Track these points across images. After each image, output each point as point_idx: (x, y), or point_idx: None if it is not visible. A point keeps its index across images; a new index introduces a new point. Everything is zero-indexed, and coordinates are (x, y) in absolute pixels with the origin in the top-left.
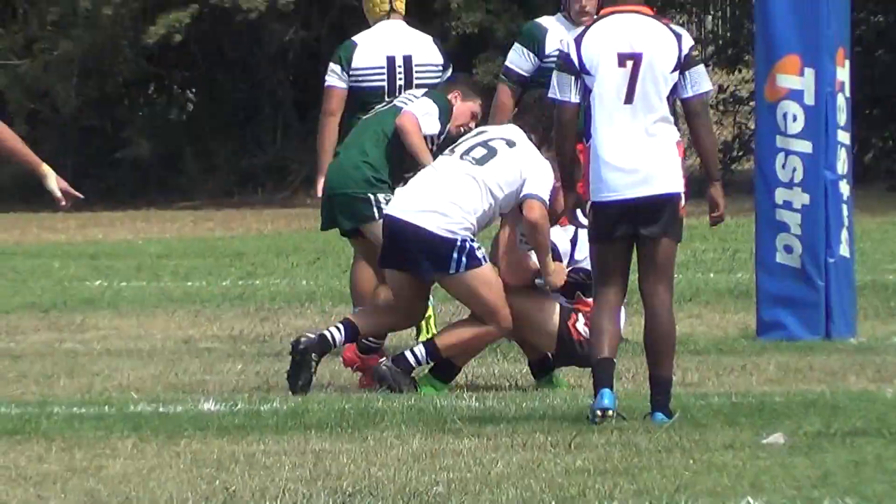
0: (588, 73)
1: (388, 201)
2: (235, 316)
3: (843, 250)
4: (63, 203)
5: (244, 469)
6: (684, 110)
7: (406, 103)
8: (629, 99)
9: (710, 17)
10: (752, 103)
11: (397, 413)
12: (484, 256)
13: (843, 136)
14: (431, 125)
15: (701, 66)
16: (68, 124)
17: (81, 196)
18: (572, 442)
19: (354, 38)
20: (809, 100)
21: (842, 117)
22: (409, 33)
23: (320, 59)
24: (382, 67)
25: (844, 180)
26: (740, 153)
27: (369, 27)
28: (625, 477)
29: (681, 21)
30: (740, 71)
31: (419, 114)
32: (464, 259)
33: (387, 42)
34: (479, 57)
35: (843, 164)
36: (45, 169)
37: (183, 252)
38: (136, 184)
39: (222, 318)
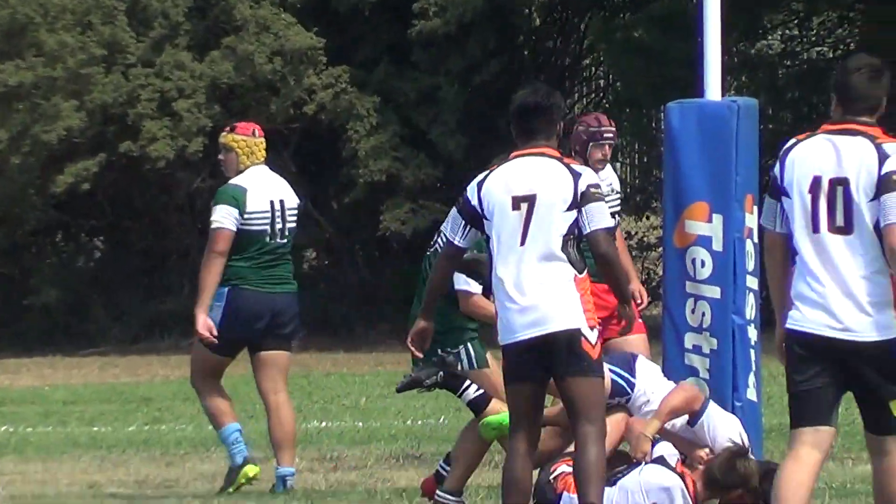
0: (487, 218)
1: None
2: (141, 461)
3: (751, 394)
4: None
5: None
6: (589, 246)
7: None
8: (523, 241)
9: (618, 165)
10: (659, 249)
11: None
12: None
13: (752, 282)
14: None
15: (599, 203)
16: None
17: None
18: None
19: (237, 182)
20: (718, 246)
21: (750, 263)
22: (277, 178)
23: None
24: (267, 211)
25: (752, 325)
26: (649, 299)
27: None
28: None
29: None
30: (648, 217)
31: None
32: None
33: (268, 187)
34: (387, 203)
35: (751, 308)
36: None
37: (89, 398)
38: (44, 330)
39: (128, 463)
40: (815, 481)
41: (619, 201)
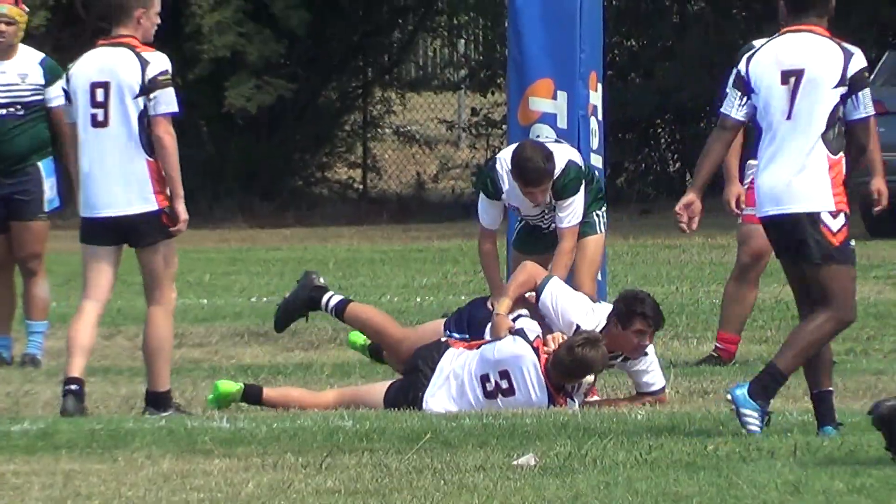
0: (753, 92)
1: None
2: None
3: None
4: None
5: None
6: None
7: None
8: (789, 115)
9: (462, 41)
10: (504, 126)
11: (148, 434)
12: None
13: (596, 160)
14: None
15: (867, 90)
16: None
17: None
18: (323, 463)
19: None
20: (562, 123)
21: (594, 141)
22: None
23: None
24: None
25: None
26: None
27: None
28: (375, 497)
29: (434, 45)
30: (493, 94)
31: None
32: None
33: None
34: (231, 80)
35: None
36: None
37: None
38: None
39: None
40: None
41: None
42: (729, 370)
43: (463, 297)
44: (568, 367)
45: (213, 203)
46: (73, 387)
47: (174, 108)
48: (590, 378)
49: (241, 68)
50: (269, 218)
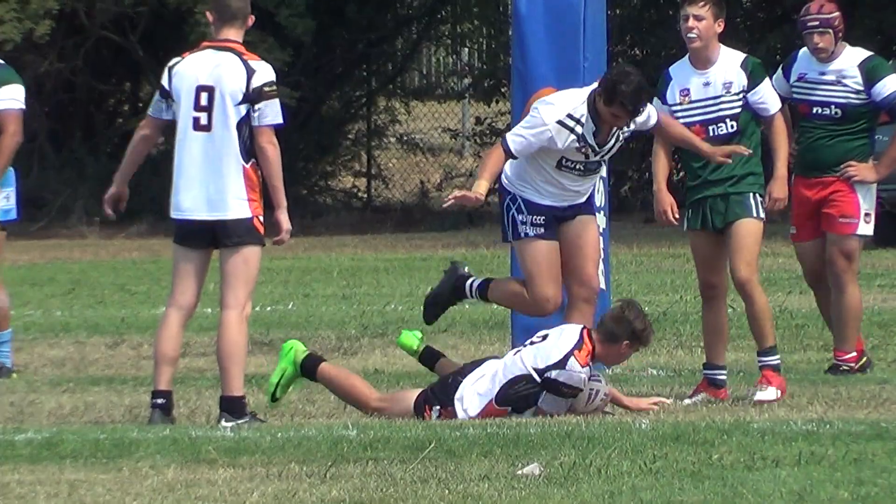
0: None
1: None
2: None
3: (601, 282)
4: None
5: None
6: None
7: None
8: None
9: (466, 50)
10: None
11: (152, 443)
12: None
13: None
14: None
15: None
16: None
17: None
18: (327, 472)
19: None
20: None
21: None
22: None
23: (76, 91)
24: None
25: (601, 212)
26: (497, 185)
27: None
28: None
29: (438, 55)
30: (497, 103)
31: None
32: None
33: None
34: None
35: (599, 196)
36: None
37: None
38: None
39: None
40: None
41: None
42: (732, 380)
43: (466, 306)
44: (617, 334)
45: None
46: (160, 401)
47: (279, 119)
48: (605, 390)
49: None
50: (273, 226)
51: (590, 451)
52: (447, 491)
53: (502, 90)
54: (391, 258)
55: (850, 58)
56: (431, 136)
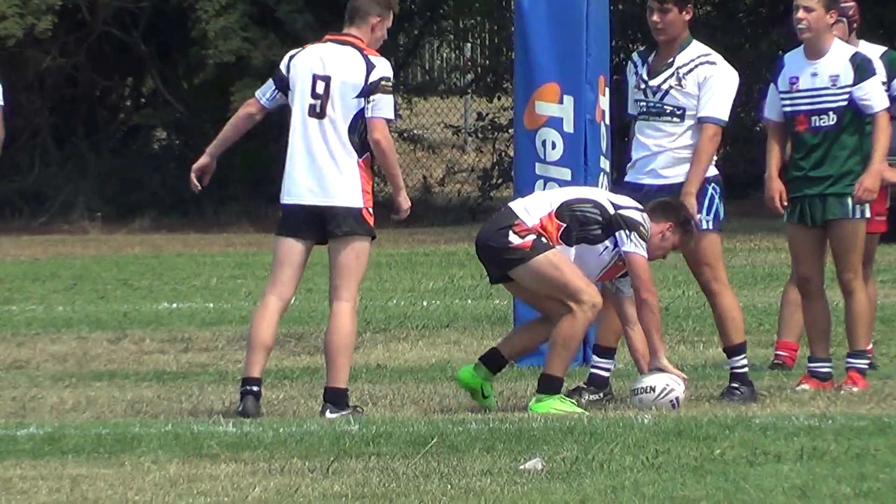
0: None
1: None
2: None
3: None
4: None
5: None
6: None
7: None
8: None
9: (468, 45)
10: (510, 131)
11: (154, 438)
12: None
13: (604, 163)
14: None
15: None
16: None
17: None
18: (330, 467)
19: None
20: (568, 127)
21: (603, 144)
22: None
23: (78, 87)
24: None
25: None
26: (499, 180)
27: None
28: (382, 502)
29: (440, 50)
30: (500, 98)
31: None
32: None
33: None
34: (237, 84)
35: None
36: None
37: None
38: None
39: None
40: None
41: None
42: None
43: (469, 301)
44: (665, 213)
45: (219, 207)
46: (253, 387)
47: (391, 114)
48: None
49: (246, 73)
50: (275, 222)
51: (592, 446)
52: (449, 486)
53: (505, 86)
54: (393, 253)
55: (869, 52)
56: (434, 131)
